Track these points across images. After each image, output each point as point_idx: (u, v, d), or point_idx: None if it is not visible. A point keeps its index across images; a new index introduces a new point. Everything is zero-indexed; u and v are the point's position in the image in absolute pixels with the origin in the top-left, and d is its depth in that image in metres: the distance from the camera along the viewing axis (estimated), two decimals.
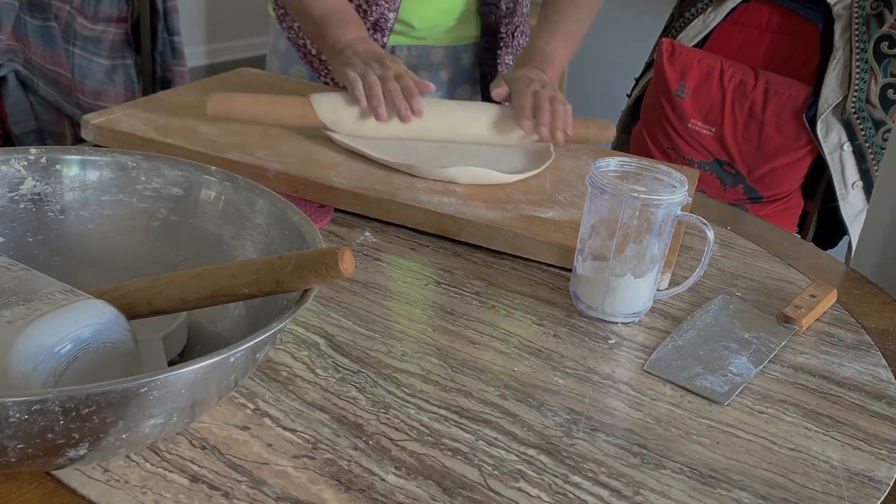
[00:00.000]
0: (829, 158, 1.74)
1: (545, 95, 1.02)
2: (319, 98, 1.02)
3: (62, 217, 0.70)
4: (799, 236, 1.37)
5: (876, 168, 1.72)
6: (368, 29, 1.22)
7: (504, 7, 1.28)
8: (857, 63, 1.69)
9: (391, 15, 1.22)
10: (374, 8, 1.21)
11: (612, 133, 1.07)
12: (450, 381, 0.67)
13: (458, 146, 1.04)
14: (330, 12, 1.11)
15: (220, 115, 1.02)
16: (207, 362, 0.49)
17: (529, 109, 1.01)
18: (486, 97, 1.22)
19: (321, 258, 0.53)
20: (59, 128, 2.03)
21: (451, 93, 1.32)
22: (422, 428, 0.61)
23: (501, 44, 1.30)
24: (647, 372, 0.71)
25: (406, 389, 0.65)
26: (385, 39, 1.24)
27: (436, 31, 1.27)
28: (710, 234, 0.76)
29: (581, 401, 0.66)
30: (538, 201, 0.93)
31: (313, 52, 1.29)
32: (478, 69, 1.32)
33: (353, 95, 1.00)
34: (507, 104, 1.06)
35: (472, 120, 1.05)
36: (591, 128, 1.06)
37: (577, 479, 0.58)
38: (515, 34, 1.32)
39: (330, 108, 1.01)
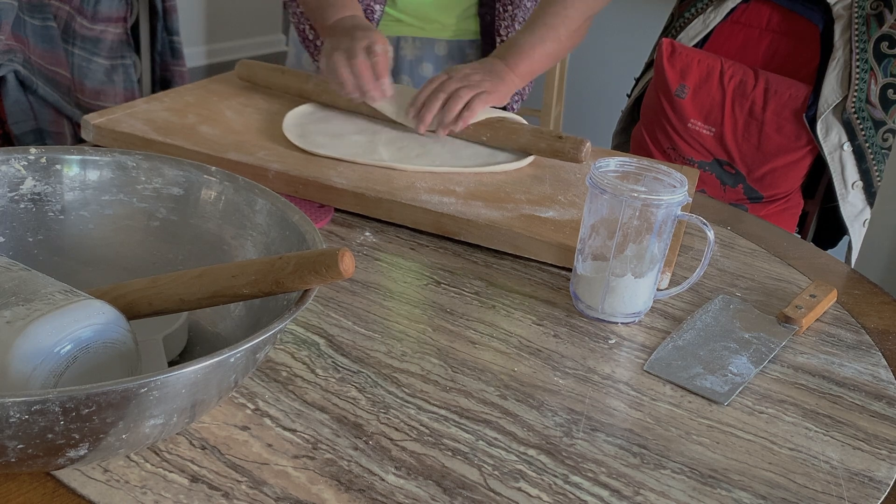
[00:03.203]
0: (829, 158, 1.73)
1: (449, 88, 1.01)
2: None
3: (62, 217, 0.70)
4: (799, 236, 1.37)
5: (876, 168, 1.72)
6: None
7: (500, 9, 1.28)
8: (857, 63, 1.69)
9: (377, 7, 1.23)
10: None
11: (583, 152, 0.99)
12: (450, 382, 0.67)
13: (444, 143, 1.05)
14: None
15: (245, 79, 1.18)
16: (208, 362, 0.49)
17: (418, 105, 1.02)
18: None
19: (321, 259, 0.53)
20: (59, 128, 2.03)
21: None
22: (422, 428, 0.61)
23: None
24: (647, 372, 0.71)
25: (406, 389, 0.65)
26: None
27: (436, 24, 1.28)
28: (711, 234, 0.76)
29: (581, 401, 0.66)
30: (538, 201, 0.93)
31: (310, 37, 1.33)
32: None
33: (333, 86, 1.04)
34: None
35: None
36: (564, 143, 1.00)
37: (577, 479, 0.58)
38: None
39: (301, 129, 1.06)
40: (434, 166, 0.97)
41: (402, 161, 0.98)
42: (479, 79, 1.03)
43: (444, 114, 1.01)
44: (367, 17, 1.24)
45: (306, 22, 1.32)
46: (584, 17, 1.16)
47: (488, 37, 1.30)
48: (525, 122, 1.06)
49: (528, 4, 1.30)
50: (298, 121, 1.06)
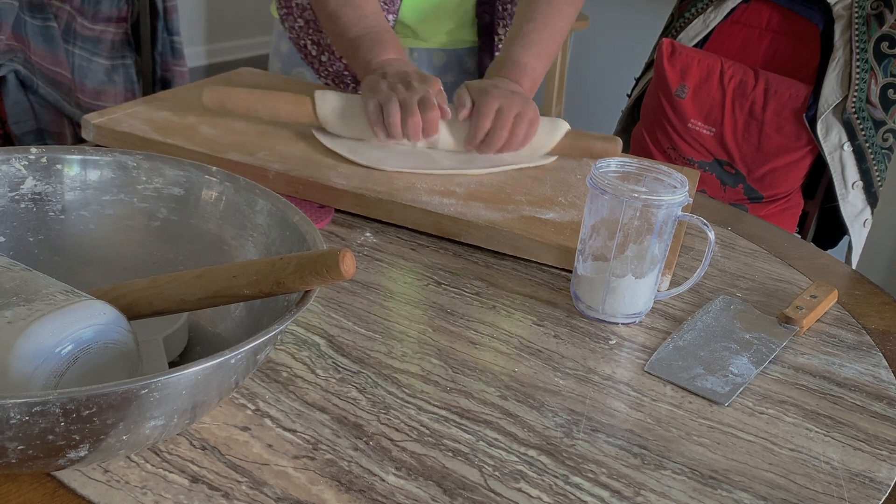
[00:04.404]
0: (829, 158, 1.74)
1: (508, 115, 0.98)
2: (322, 96, 1.02)
3: (63, 217, 0.70)
4: (799, 236, 1.37)
5: (876, 168, 1.72)
6: None
7: (500, 8, 1.28)
8: (857, 63, 1.69)
9: (390, 17, 1.22)
10: None
11: (617, 148, 1.02)
12: (450, 382, 0.67)
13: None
14: (367, 33, 1.08)
15: (215, 107, 1.02)
16: (208, 364, 0.49)
17: (482, 134, 0.99)
18: None
19: (322, 259, 0.53)
20: (59, 128, 2.03)
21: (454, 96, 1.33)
22: (422, 428, 0.61)
23: (501, 46, 1.30)
24: (648, 372, 0.71)
25: (406, 390, 0.65)
26: None
27: (434, 31, 1.27)
28: (711, 235, 0.76)
29: (581, 401, 0.66)
30: (539, 202, 0.93)
31: (314, 52, 1.29)
32: (479, 73, 1.33)
33: (371, 127, 0.99)
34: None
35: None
36: (596, 143, 1.03)
37: (577, 479, 0.58)
38: None
39: (330, 110, 1.01)
40: (495, 167, 0.99)
41: (467, 166, 0.99)
42: (520, 103, 1.01)
43: (510, 142, 1.00)
44: None
45: (308, 37, 1.28)
46: (571, 25, 1.17)
47: (486, 38, 1.30)
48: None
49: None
50: (334, 140, 1.02)
